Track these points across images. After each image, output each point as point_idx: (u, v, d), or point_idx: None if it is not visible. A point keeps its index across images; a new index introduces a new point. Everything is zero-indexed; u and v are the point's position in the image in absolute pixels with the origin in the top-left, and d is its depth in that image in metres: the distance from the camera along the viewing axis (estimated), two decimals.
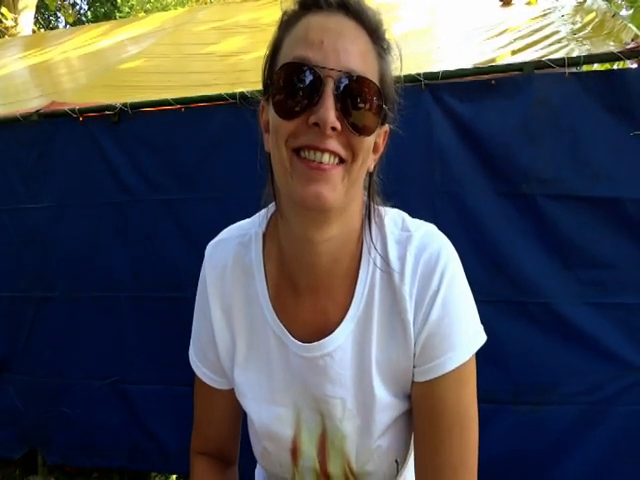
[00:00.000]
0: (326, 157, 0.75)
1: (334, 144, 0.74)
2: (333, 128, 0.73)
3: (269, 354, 0.92)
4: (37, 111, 2.58)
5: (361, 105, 0.75)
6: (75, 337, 2.56)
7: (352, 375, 0.89)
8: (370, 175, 0.88)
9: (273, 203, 0.93)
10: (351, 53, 0.75)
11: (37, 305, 2.60)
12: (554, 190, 2.00)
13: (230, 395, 0.99)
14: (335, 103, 0.73)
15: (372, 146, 0.82)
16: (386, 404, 0.89)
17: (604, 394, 1.99)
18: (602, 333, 1.98)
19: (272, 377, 0.93)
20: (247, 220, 1.01)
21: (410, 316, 0.85)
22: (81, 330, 2.55)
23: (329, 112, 0.72)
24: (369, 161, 0.82)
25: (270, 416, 0.93)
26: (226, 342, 0.96)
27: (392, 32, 0.84)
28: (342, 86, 0.73)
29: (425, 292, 0.84)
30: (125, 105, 2.41)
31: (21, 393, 2.66)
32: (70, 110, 2.50)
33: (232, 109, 2.30)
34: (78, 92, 3.00)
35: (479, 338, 0.87)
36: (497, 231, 2.06)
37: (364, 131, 0.76)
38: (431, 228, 0.91)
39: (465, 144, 2.08)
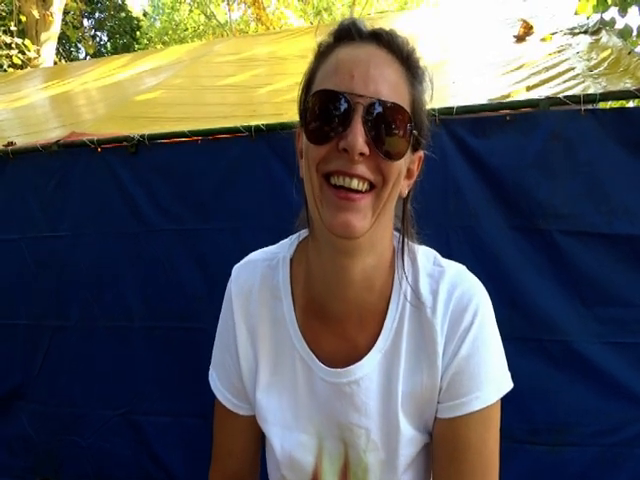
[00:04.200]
0: (355, 182, 0.76)
1: (363, 169, 0.76)
2: (362, 154, 0.74)
3: (294, 378, 0.92)
4: (57, 142, 2.62)
5: (390, 130, 0.76)
6: (88, 366, 2.54)
7: (377, 406, 0.88)
8: (404, 202, 0.89)
9: (305, 229, 0.94)
10: (381, 82, 0.76)
11: (52, 333, 2.60)
12: (571, 226, 1.97)
13: (251, 422, 0.98)
14: (364, 129, 0.74)
15: (403, 171, 0.82)
16: (410, 438, 0.88)
17: (624, 436, 1.92)
18: (622, 373, 1.93)
19: (296, 402, 0.92)
20: (275, 245, 1.03)
21: (440, 349, 0.85)
22: (94, 359, 2.54)
23: (357, 138, 0.73)
24: (400, 186, 0.83)
25: (292, 442, 0.92)
26: (249, 363, 0.96)
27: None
28: (371, 112, 0.75)
29: (457, 327, 0.85)
30: (142, 136, 2.44)
31: (34, 421, 2.64)
32: (89, 141, 2.53)
33: (248, 141, 2.31)
34: (97, 123, 3.05)
35: (506, 383, 0.87)
36: (513, 267, 2.03)
37: (393, 156, 0.77)
38: (463, 267, 0.93)
39: (480, 179, 2.07)
